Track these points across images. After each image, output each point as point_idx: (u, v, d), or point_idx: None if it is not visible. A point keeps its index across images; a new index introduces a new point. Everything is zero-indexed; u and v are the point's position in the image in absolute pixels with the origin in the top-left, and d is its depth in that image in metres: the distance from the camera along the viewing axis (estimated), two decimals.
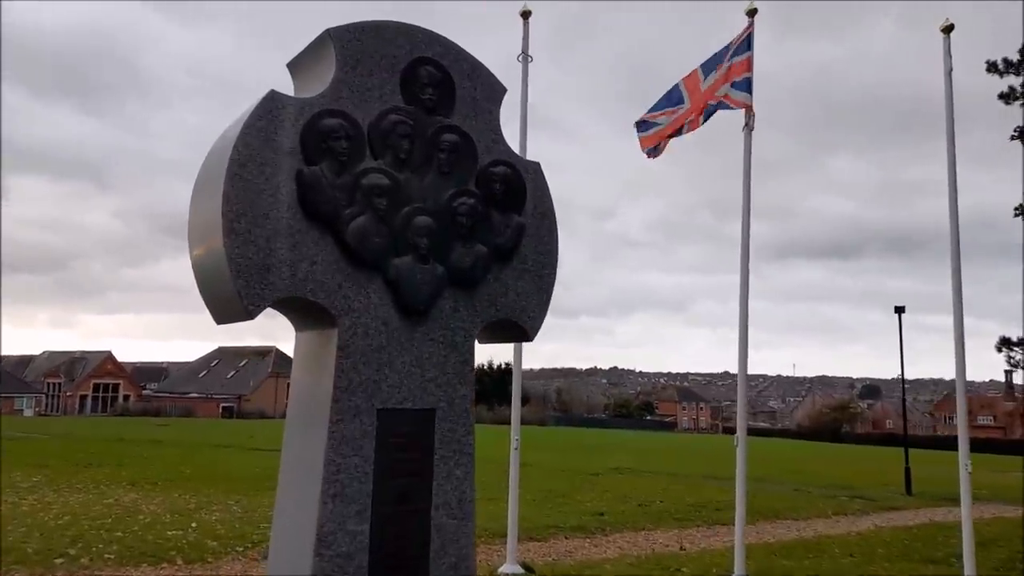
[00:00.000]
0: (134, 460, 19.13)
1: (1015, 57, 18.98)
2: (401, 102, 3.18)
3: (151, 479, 14.84)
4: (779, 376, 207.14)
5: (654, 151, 9.32)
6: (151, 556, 7.99)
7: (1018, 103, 19.06)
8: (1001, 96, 18.99)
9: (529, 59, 9.02)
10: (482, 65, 3.47)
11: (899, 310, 23.46)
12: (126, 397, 76.03)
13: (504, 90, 3.57)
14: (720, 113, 8.99)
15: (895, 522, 13.80)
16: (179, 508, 11.32)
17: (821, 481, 21.46)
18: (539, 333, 3.57)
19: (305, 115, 2.94)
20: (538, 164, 3.60)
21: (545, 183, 3.59)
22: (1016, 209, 15.02)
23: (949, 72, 9.06)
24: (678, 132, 9.19)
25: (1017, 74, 19.02)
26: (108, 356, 79.00)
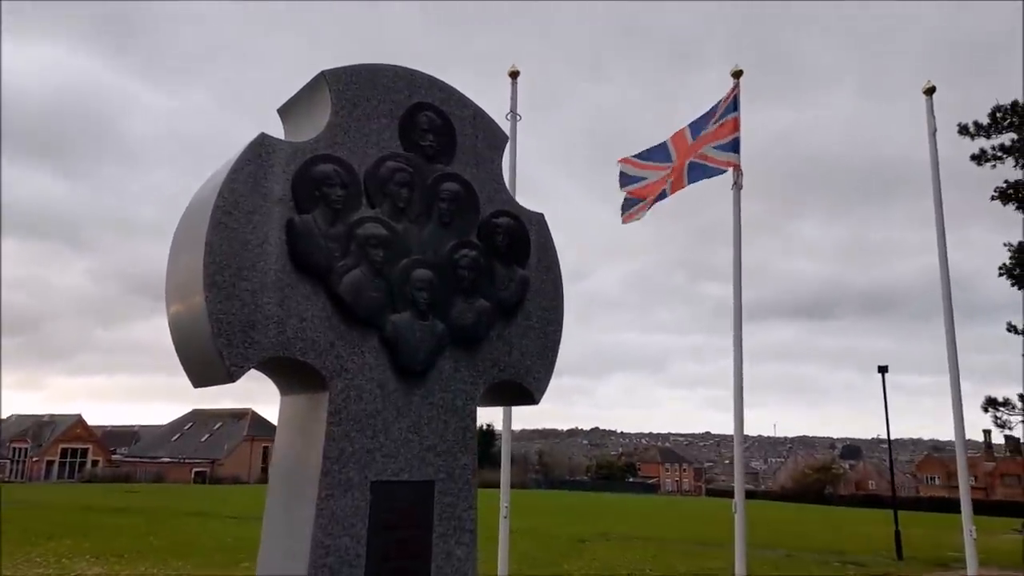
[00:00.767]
0: (100, 530, 18.20)
1: (985, 120, 19.52)
2: (400, 148, 2.99)
3: (117, 551, 14.05)
4: (760, 436, 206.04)
5: (634, 218, 9.35)
6: None
7: (989, 164, 19.54)
8: (973, 158, 19.48)
9: (518, 117, 9.01)
10: (484, 112, 3.31)
11: (882, 370, 23.39)
12: (95, 462, 73.39)
13: (506, 138, 3.41)
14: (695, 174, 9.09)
15: None
16: None
17: (812, 546, 21.03)
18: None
19: (297, 160, 2.73)
20: (542, 215, 3.41)
21: (549, 235, 3.40)
22: (1000, 268, 15.17)
23: (933, 132, 9.14)
24: (662, 195, 9.24)
25: (987, 137, 19.54)
26: (78, 419, 76.49)
